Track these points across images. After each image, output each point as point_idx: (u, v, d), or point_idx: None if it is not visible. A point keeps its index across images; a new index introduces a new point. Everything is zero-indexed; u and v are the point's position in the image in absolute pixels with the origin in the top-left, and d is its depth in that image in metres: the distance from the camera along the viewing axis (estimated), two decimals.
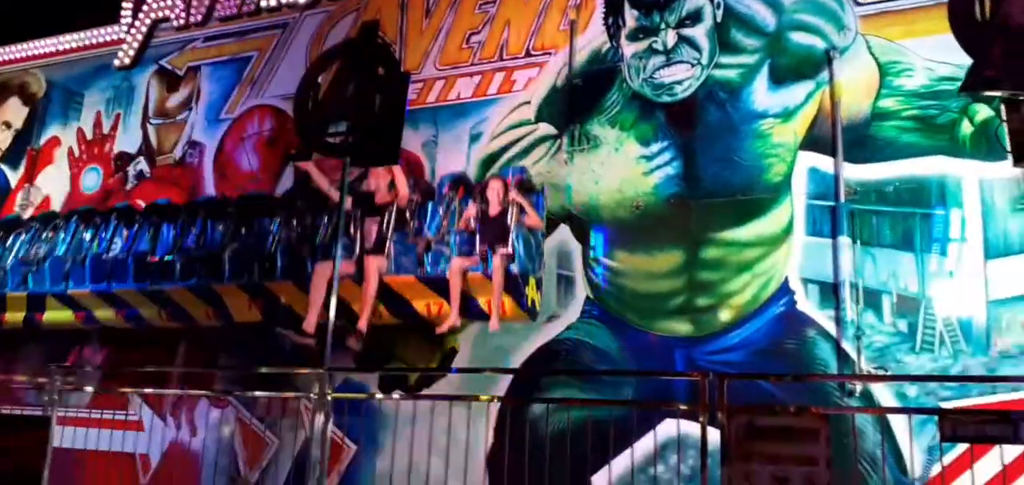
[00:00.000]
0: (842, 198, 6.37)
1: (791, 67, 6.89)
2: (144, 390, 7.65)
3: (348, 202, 6.50)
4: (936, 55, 6.25)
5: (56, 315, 8.42)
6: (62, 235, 8.77)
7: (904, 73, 6.50)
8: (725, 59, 7.15)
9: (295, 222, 7.63)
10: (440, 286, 6.79)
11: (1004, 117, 4.51)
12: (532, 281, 6.80)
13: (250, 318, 7.55)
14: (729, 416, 4.27)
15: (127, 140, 10.13)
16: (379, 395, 6.78)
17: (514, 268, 6.59)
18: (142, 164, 9.92)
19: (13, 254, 8.91)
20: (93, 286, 8.19)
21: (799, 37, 6.95)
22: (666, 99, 7.28)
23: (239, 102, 9.49)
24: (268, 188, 8.87)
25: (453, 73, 8.33)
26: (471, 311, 6.79)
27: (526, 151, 7.77)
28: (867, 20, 6.77)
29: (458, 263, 6.64)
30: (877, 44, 6.64)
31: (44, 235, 8.93)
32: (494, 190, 6.87)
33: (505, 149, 7.87)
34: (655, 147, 7.23)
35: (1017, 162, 4.37)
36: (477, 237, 6.80)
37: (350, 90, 6.00)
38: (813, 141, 6.65)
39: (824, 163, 6.54)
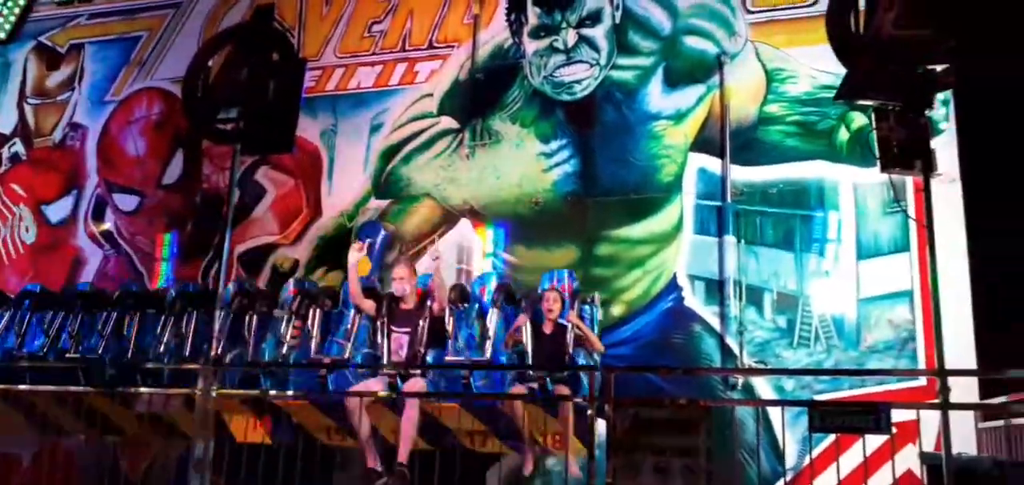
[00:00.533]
0: (729, 199, 6.64)
1: (684, 70, 7.11)
2: (17, 386, 7.15)
3: (371, 307, 5.83)
4: (818, 64, 6.56)
5: None
6: None
7: (789, 80, 6.81)
8: (622, 60, 7.31)
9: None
10: (488, 415, 5.60)
11: (874, 125, 4.78)
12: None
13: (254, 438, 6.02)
14: (615, 408, 4.37)
15: (1, 120, 9.50)
16: (272, 392, 6.56)
17: (579, 400, 5.47)
18: (18, 146, 9.34)
19: None
20: None
21: (692, 41, 7.18)
22: (566, 98, 7.39)
23: (126, 84, 9.05)
24: (153, 171, 8.42)
25: (353, 61, 8.19)
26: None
27: (428, 144, 7.73)
28: (756, 27, 7.05)
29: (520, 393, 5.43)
30: (765, 51, 6.94)
31: None
32: (550, 301, 5.75)
33: (407, 141, 7.81)
34: (554, 144, 7.32)
35: (884, 168, 4.62)
36: (529, 356, 5.74)
37: (243, 75, 5.80)
38: (703, 143, 6.90)
39: (712, 164, 6.80)
